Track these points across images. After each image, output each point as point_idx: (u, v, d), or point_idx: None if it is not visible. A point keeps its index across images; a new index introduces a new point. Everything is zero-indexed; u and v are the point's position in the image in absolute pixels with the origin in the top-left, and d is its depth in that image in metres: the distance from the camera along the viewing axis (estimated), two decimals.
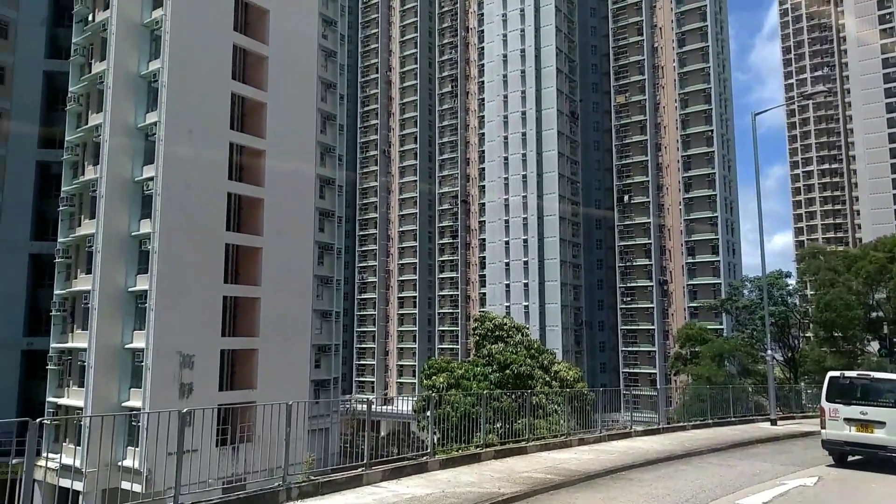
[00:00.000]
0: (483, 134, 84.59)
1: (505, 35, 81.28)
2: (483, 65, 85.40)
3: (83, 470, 30.90)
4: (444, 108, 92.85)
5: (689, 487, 11.89)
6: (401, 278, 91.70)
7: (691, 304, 72.72)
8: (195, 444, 9.48)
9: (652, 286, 74.97)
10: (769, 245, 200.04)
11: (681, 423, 21.90)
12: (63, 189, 38.00)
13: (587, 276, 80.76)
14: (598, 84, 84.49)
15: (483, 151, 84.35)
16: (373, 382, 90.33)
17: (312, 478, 10.40)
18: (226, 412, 29.36)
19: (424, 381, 34.17)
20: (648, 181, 76.58)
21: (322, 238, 50.50)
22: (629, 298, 76.36)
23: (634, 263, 76.61)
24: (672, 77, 77.53)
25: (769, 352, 25.79)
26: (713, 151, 73.82)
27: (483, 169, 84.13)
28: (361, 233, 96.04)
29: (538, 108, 78.00)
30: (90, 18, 38.37)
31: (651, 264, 75.37)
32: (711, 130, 74.18)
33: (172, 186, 34.33)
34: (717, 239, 72.37)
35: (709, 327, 57.06)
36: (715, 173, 73.36)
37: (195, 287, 34.68)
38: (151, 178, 34.57)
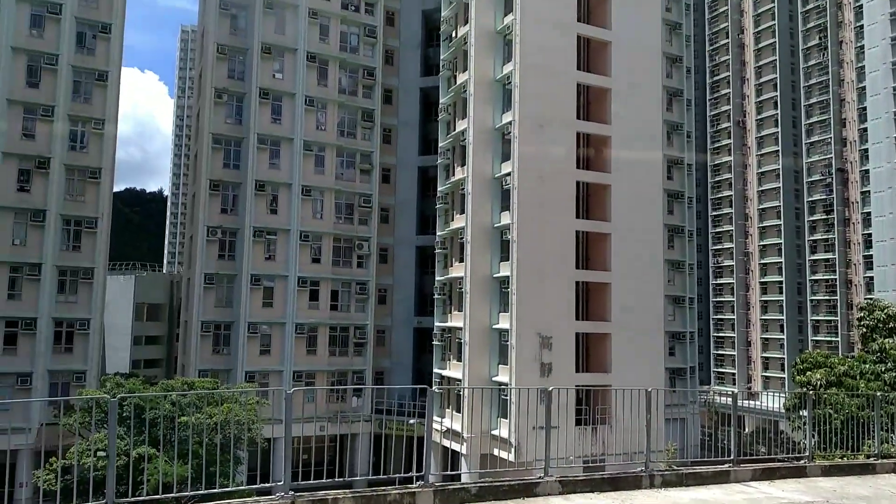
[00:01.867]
0: (863, 88, 71.42)
1: None
2: (861, 6, 72.07)
3: (465, 435, 35.37)
4: (810, 64, 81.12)
5: None
6: (762, 261, 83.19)
7: None
8: (557, 422, 10.13)
9: None
10: None
11: None
12: (438, 189, 43.85)
13: None
14: None
15: (864, 108, 71.25)
16: (734, 374, 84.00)
17: (675, 468, 10.25)
18: (584, 393, 30.50)
19: (797, 377, 30.69)
20: None
21: (671, 221, 48.82)
22: None
23: None
24: None
25: None
26: None
27: (864, 129, 71.12)
28: (715, 213, 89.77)
29: None
30: (453, 35, 43.35)
31: None
32: None
33: (527, 180, 36.85)
34: None
35: None
36: None
37: (550, 272, 36.72)
38: (509, 174, 37.63)
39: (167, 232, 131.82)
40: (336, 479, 8.62)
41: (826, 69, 79.03)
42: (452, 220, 42.09)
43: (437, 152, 44.65)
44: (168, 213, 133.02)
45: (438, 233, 43.49)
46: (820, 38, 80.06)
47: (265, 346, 44.73)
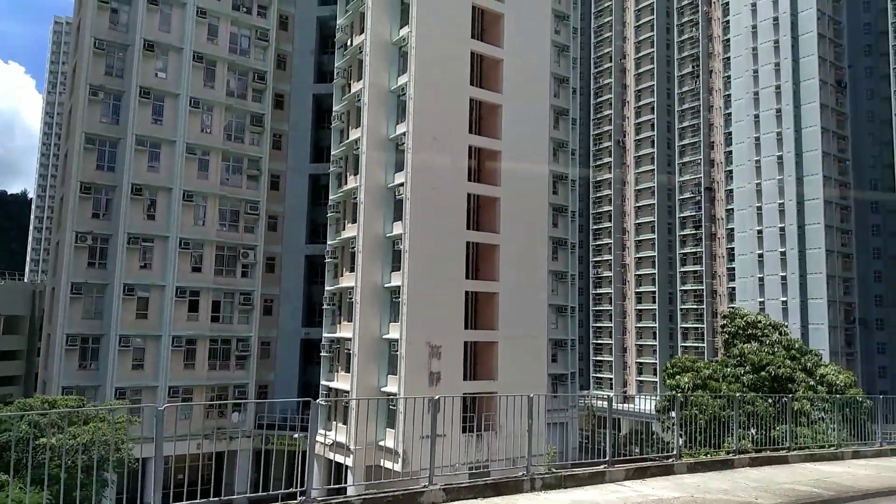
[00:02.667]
0: (729, 114, 77.97)
1: (754, 4, 74.00)
2: (729, 39, 78.71)
3: (351, 447, 34.89)
4: (684, 90, 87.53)
5: None
6: (638, 272, 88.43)
7: None
8: (444, 430, 10.23)
9: None
10: None
11: None
12: (330, 198, 43.22)
13: (860, 268, 70.24)
14: (873, 46, 72.97)
15: (730, 133, 77.76)
16: (611, 379, 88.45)
17: (555, 470, 10.59)
18: (470, 401, 30.95)
19: (667, 381, 32.72)
20: None
21: (556, 233, 50.82)
22: None
23: None
24: None
25: None
26: None
27: (730, 152, 77.57)
28: (595, 227, 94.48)
29: (795, 81, 69.73)
30: (348, 43, 43.08)
31: None
32: None
33: (420, 191, 37.14)
34: None
35: None
36: None
37: (441, 282, 37.13)
38: (402, 184, 37.76)
39: (31, 237, 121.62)
40: (211, 499, 8.21)
41: (698, 95, 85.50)
42: (344, 229, 41.64)
43: (329, 160, 44.05)
44: (32, 217, 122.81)
45: (329, 242, 42.86)
46: (693, 67, 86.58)
47: (138, 360, 42.07)
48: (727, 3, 79.01)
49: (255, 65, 47.56)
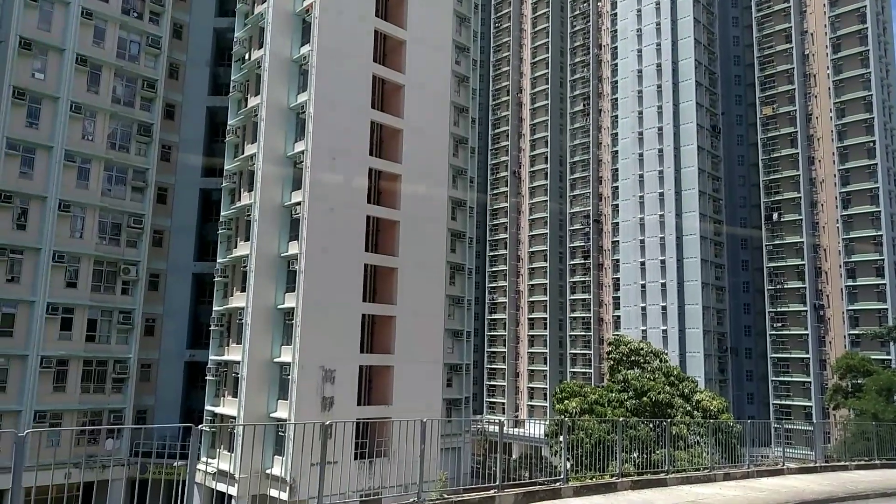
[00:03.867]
0: (616, 152, 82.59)
1: (640, 50, 79.23)
2: (616, 81, 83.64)
3: (236, 476, 33.29)
4: (575, 126, 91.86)
5: None
6: (531, 299, 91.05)
7: (852, 332, 66.06)
8: (335, 457, 9.94)
9: (806, 311, 69.00)
10: None
11: (842, 462, 19.91)
12: (222, 214, 41.60)
13: (732, 300, 75.89)
14: (743, 96, 79.88)
15: (616, 169, 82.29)
16: (503, 404, 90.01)
17: (446, 496, 10.54)
18: (364, 426, 30.46)
19: (556, 406, 33.64)
20: (800, 197, 70.94)
21: (454, 259, 51.41)
22: (780, 324, 70.73)
23: (785, 286, 70.94)
24: (826, 85, 71.63)
25: None
26: (876, 164, 67.10)
27: (616, 187, 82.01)
28: (492, 253, 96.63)
29: (676, 124, 75.05)
30: (246, 57, 42.01)
31: (805, 287, 69.45)
32: (874, 141, 67.52)
33: (317, 210, 36.53)
34: (883, 260, 65.42)
35: (873, 357, 51.69)
36: (878, 188, 66.58)
37: (337, 305, 36.52)
38: (299, 203, 36.99)
39: None
40: None
41: (588, 132, 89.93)
42: (236, 247, 40.16)
43: (222, 175, 42.48)
44: None
45: (219, 260, 41.15)
46: (584, 105, 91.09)
47: (0, 382, 38.39)
48: (616, 48, 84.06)
49: (145, 72, 45.33)
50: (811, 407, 66.49)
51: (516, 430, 65.28)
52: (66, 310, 40.79)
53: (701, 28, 77.38)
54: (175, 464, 34.79)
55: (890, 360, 58.97)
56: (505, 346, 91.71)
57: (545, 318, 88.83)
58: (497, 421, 15.71)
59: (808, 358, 67.98)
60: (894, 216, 68.20)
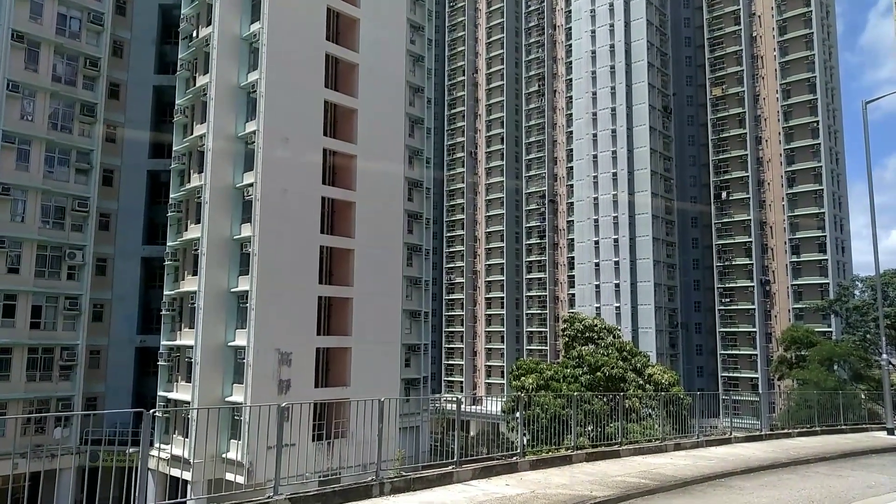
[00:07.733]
0: (571, 132, 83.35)
1: (593, 31, 79.78)
2: (571, 62, 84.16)
3: (191, 461, 32.82)
4: (530, 107, 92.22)
5: (794, 497, 11.26)
6: (488, 279, 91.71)
7: (796, 306, 68.69)
8: (293, 439, 9.88)
9: (753, 286, 71.38)
10: (885, 242, 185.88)
11: (785, 430, 20.77)
12: (171, 196, 40.49)
13: (682, 277, 77.89)
14: (693, 77, 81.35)
15: (571, 150, 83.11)
16: (462, 382, 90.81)
17: (404, 474, 10.60)
18: (321, 408, 30.33)
19: (513, 382, 34.10)
20: (748, 176, 72.99)
21: (411, 240, 51.29)
22: (728, 299, 73.02)
23: (733, 263, 73.18)
24: (773, 67, 73.52)
25: (885, 356, 23.96)
26: (819, 144, 69.42)
27: (571, 167, 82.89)
28: (449, 234, 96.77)
29: (628, 104, 76.05)
30: (194, 35, 40.72)
31: (751, 263, 71.77)
32: (817, 121, 69.78)
33: (270, 192, 35.88)
34: (825, 236, 67.98)
35: (816, 329, 53.88)
36: (821, 167, 68.95)
37: (292, 288, 36.08)
38: (251, 184, 36.26)
39: None
40: None
41: (543, 113, 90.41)
42: (186, 229, 39.19)
43: (171, 156, 41.27)
44: None
45: (169, 243, 40.12)
46: (539, 86, 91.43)
47: None
48: (570, 28, 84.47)
49: (87, 50, 43.53)
50: (758, 378, 69.06)
51: (474, 407, 66.03)
52: (8, 296, 39.32)
53: (653, 10, 78.30)
54: (128, 451, 34.14)
55: (831, 331, 61.53)
56: (463, 325, 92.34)
57: (502, 298, 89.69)
58: (454, 399, 15.84)
59: (755, 331, 70.44)
60: (836, 194, 70.81)
